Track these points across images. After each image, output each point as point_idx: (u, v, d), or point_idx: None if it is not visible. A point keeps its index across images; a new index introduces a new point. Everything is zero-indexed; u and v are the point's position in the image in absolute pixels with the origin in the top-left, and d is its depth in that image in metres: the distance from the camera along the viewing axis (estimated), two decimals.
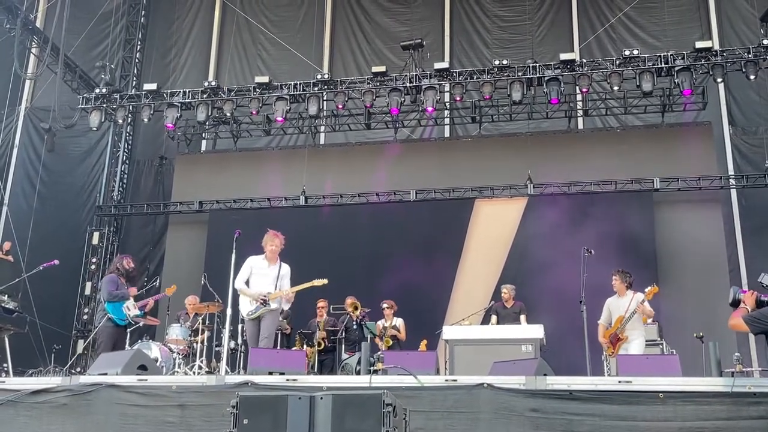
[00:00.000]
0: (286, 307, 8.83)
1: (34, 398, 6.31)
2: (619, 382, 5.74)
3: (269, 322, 8.22)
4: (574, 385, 5.68)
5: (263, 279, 8.24)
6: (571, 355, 9.08)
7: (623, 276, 8.76)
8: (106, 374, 6.60)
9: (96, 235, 15.03)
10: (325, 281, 8.52)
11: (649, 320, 9.75)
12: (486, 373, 6.27)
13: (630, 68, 12.13)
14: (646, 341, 9.46)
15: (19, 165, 15.66)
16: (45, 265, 9.94)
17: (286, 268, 8.40)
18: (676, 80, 12.04)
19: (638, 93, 12.60)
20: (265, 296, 8.09)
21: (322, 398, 4.46)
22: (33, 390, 6.35)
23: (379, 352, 9.02)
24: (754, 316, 5.29)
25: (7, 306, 9.36)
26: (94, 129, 13.96)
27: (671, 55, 12.06)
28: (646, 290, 8.52)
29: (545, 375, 5.86)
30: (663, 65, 12.00)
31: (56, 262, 10.07)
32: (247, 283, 8.26)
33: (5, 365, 9.37)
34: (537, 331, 8.57)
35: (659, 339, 9.95)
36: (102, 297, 8.88)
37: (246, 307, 8.24)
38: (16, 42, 13.11)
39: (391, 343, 10.41)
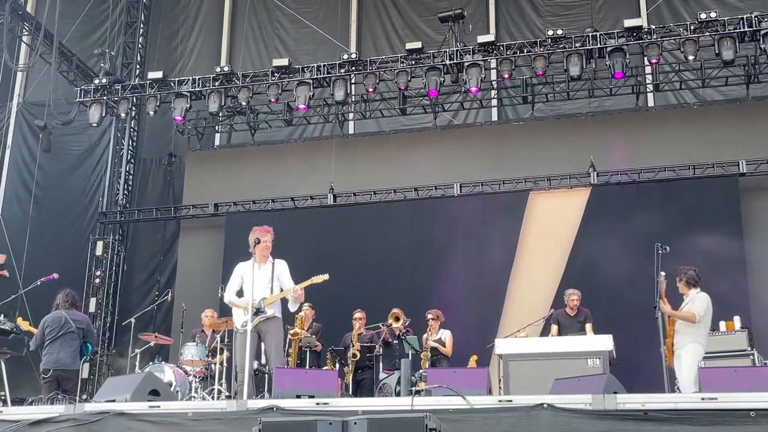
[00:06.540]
0: (294, 308, 8.74)
1: (34, 429, 6.43)
2: (703, 399, 5.67)
3: (274, 333, 8.19)
4: (649, 404, 5.63)
5: (256, 284, 8.10)
6: (646, 369, 8.99)
7: (680, 274, 8.50)
8: (114, 401, 6.71)
9: (100, 244, 15.17)
10: (326, 277, 8.28)
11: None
12: (546, 392, 6.26)
13: (707, 34, 11.96)
14: (735, 352, 9.35)
15: (12, 168, 16.00)
16: (43, 279, 10.12)
17: (281, 265, 8.34)
18: (762, 46, 11.86)
19: (718, 62, 12.44)
20: (258, 306, 8.01)
21: (356, 423, 4.49)
22: (33, 420, 6.46)
23: (421, 370, 9.02)
24: None
25: (2, 327, 9.55)
26: (95, 125, 14.21)
27: (756, 17, 11.87)
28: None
29: (615, 393, 5.82)
30: (746, 29, 11.83)
31: (56, 275, 10.23)
32: (239, 293, 8.23)
33: (2, 393, 9.54)
34: (605, 342, 8.52)
35: (749, 348, 9.82)
36: (91, 338, 9.34)
37: (240, 318, 8.18)
38: (5, 30, 13.39)
39: (431, 357, 10.40)
